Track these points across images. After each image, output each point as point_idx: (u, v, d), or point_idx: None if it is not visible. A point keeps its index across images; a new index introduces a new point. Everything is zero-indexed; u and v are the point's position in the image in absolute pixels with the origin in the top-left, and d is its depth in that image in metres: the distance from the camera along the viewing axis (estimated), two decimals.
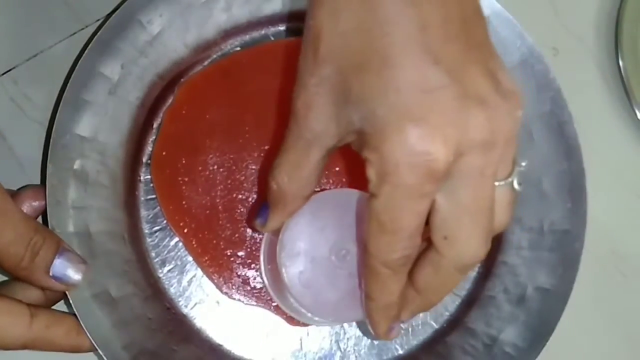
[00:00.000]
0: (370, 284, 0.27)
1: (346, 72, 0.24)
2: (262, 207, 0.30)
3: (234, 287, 0.35)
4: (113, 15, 0.34)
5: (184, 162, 0.35)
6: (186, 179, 0.35)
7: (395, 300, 0.28)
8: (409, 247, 0.26)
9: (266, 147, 0.36)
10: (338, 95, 0.24)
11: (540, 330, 0.35)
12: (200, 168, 0.36)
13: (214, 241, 0.35)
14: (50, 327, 0.30)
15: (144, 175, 0.36)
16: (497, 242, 0.37)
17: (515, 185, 0.26)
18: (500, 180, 0.26)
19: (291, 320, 0.35)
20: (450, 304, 0.37)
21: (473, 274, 0.37)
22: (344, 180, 0.36)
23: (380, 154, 0.24)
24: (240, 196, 0.36)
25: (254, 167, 0.36)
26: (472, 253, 0.26)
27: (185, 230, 0.35)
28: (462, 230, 0.25)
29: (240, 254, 0.35)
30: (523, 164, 0.26)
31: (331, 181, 0.36)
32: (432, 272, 0.27)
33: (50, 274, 0.30)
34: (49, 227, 0.32)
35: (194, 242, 0.35)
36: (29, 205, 0.32)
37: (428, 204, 0.25)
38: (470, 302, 0.37)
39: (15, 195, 0.32)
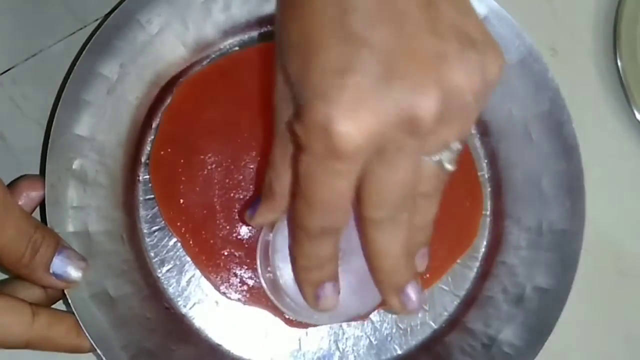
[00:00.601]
0: (292, 242, 0.28)
1: (287, 59, 0.25)
2: (256, 200, 0.31)
3: (231, 286, 0.35)
4: (112, 15, 0.34)
5: (182, 161, 0.35)
6: (184, 179, 0.35)
7: (317, 264, 0.28)
8: (327, 220, 0.26)
9: (264, 147, 0.36)
10: (287, 82, 0.25)
11: (539, 330, 0.35)
12: (198, 167, 0.36)
13: (211, 241, 0.35)
14: (51, 326, 0.30)
15: (143, 175, 0.36)
16: (496, 242, 0.38)
17: (446, 165, 0.26)
18: (430, 155, 0.25)
19: (289, 322, 0.35)
20: (448, 304, 0.37)
21: (472, 274, 0.37)
22: None
23: (298, 130, 0.24)
24: (238, 196, 0.36)
25: (252, 166, 0.36)
26: (375, 214, 0.26)
27: (183, 230, 0.35)
28: (379, 211, 0.25)
29: (237, 253, 0.35)
30: (456, 146, 0.25)
31: None
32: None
33: (51, 271, 0.30)
34: (48, 226, 0.32)
35: (191, 242, 0.35)
36: (27, 196, 0.32)
37: (346, 182, 0.24)
38: (468, 302, 0.37)
39: (12, 187, 0.32)
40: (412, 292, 0.29)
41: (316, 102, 0.23)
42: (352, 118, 0.23)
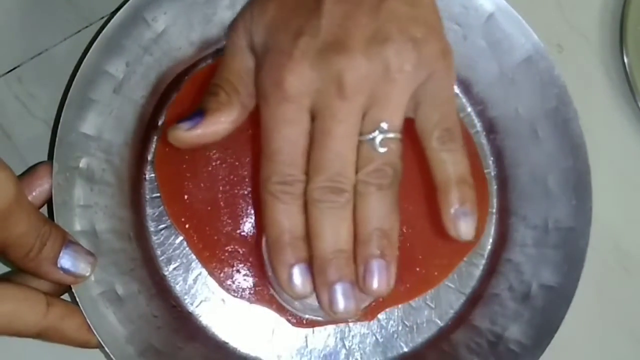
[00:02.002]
0: (262, 213, 0.29)
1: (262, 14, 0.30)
2: (190, 116, 0.29)
3: (234, 283, 0.35)
4: (118, 13, 0.34)
5: (186, 157, 0.35)
6: (188, 175, 0.35)
7: (287, 240, 0.28)
8: (285, 174, 0.28)
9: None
10: (253, 15, 0.30)
11: (545, 327, 0.35)
12: (202, 164, 0.36)
13: (215, 237, 0.35)
14: (64, 319, 0.30)
15: (149, 174, 0.36)
16: (502, 240, 0.37)
17: (378, 147, 0.28)
18: (363, 135, 0.28)
19: (294, 322, 0.35)
20: (454, 302, 0.37)
21: (478, 271, 0.37)
22: None
23: (258, 78, 0.29)
24: (242, 192, 0.36)
25: (256, 162, 0.36)
26: (315, 184, 0.28)
27: (187, 226, 0.35)
28: (313, 161, 0.28)
29: (241, 250, 0.35)
30: (384, 125, 0.28)
31: None
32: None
33: (58, 265, 0.30)
34: None
35: (195, 238, 0.35)
36: (36, 191, 0.32)
37: (295, 130, 0.28)
38: (474, 300, 0.37)
39: (21, 181, 0.32)
40: (340, 293, 0.28)
41: (275, 54, 0.28)
42: (296, 68, 0.27)
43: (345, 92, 0.27)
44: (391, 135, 0.28)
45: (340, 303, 0.28)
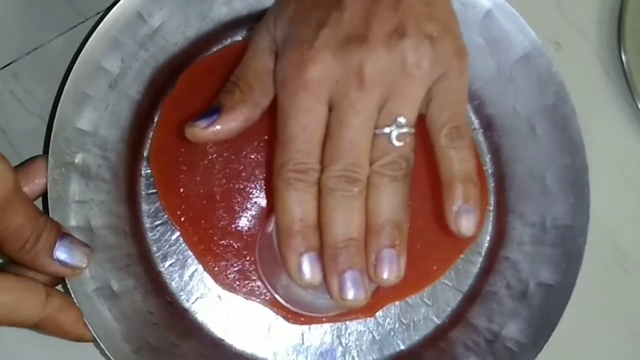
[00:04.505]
0: (274, 200, 0.29)
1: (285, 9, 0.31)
2: (206, 112, 0.30)
3: (229, 277, 0.35)
4: (114, 9, 0.34)
5: (182, 150, 0.35)
6: (184, 168, 0.35)
7: (298, 228, 0.28)
8: (300, 162, 0.28)
9: (265, 137, 0.36)
10: (276, 15, 0.31)
11: (543, 326, 0.35)
12: (199, 157, 0.36)
13: (210, 230, 0.35)
14: (62, 311, 0.30)
15: (145, 170, 0.36)
16: (499, 238, 0.37)
17: (393, 140, 0.28)
18: (379, 128, 0.28)
19: (288, 317, 0.35)
20: (452, 300, 0.37)
21: (475, 269, 0.37)
22: None
23: (278, 67, 0.29)
24: (238, 186, 0.36)
25: (252, 156, 0.36)
26: (330, 173, 0.28)
27: (182, 219, 0.35)
28: (328, 150, 0.28)
29: (236, 245, 0.35)
30: (401, 120, 0.28)
31: None
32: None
33: (54, 257, 0.30)
34: None
35: (190, 231, 0.35)
36: (31, 184, 0.32)
37: (312, 119, 0.28)
38: (472, 298, 0.37)
39: (18, 173, 0.32)
40: (350, 280, 0.28)
41: (296, 44, 0.29)
42: (317, 57, 0.28)
43: (364, 84, 0.28)
44: (406, 129, 0.28)
45: (350, 291, 0.28)
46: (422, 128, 0.30)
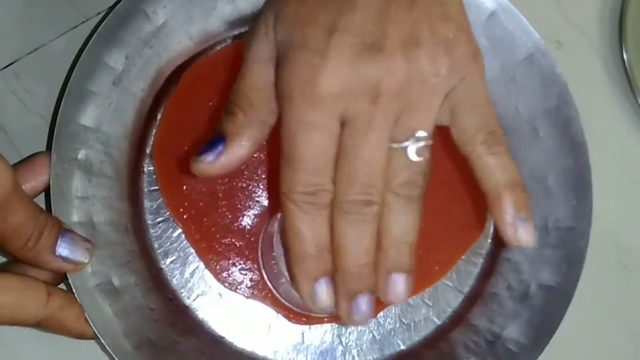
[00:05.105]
0: (284, 229, 0.27)
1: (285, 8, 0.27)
2: (209, 143, 0.28)
3: (230, 276, 0.35)
4: (118, 6, 0.34)
5: (185, 148, 0.36)
6: (187, 165, 0.35)
7: (312, 252, 0.27)
8: (311, 183, 0.26)
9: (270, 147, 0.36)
10: (275, 15, 0.28)
11: (544, 327, 0.35)
12: None
13: (213, 229, 0.35)
14: (63, 309, 0.30)
15: (148, 167, 0.36)
16: (501, 239, 0.37)
17: (411, 155, 0.27)
18: (396, 143, 0.27)
19: (291, 317, 0.35)
20: (452, 301, 0.37)
21: (476, 270, 0.37)
22: None
23: (281, 77, 0.26)
24: (240, 184, 0.36)
25: (255, 155, 0.36)
26: (345, 197, 0.26)
27: (185, 216, 0.35)
28: (342, 170, 0.26)
29: (238, 243, 0.35)
30: (419, 133, 0.27)
31: None
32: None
33: (57, 254, 0.30)
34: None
35: (193, 229, 0.35)
36: (32, 182, 0.32)
37: (323, 136, 0.26)
38: (473, 299, 0.37)
39: (17, 171, 0.32)
40: (363, 303, 0.27)
41: (305, 51, 0.26)
42: (332, 68, 0.25)
43: (382, 98, 0.26)
44: (424, 143, 0.27)
45: (359, 313, 0.27)
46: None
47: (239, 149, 0.28)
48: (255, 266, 0.35)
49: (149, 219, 0.35)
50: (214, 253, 0.35)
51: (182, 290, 0.35)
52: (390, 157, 0.27)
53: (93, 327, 0.31)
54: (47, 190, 0.33)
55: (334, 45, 0.25)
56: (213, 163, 0.27)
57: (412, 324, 0.36)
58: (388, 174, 0.27)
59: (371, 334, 0.36)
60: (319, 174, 0.26)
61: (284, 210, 0.27)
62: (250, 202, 0.36)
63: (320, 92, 0.25)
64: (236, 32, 0.37)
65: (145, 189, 0.36)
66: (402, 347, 0.36)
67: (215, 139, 0.28)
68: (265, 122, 0.28)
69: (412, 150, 0.27)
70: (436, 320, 0.36)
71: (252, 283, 0.35)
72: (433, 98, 0.27)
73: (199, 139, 0.36)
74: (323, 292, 0.27)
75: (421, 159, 0.27)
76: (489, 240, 0.38)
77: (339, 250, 0.27)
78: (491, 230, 0.38)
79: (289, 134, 0.26)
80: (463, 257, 0.37)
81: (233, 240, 0.35)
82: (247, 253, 0.35)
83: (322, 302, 0.27)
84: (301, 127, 0.26)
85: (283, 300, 0.35)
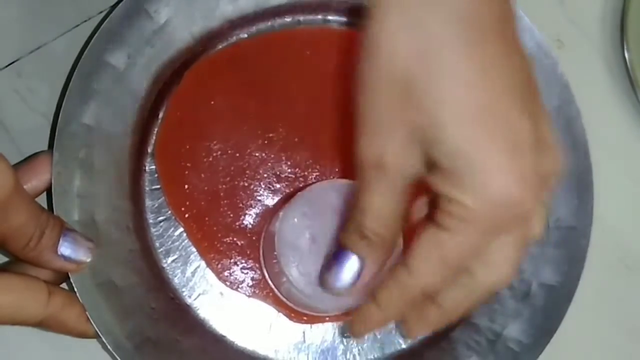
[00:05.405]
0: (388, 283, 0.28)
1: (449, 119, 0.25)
2: (339, 261, 0.28)
3: (232, 275, 0.35)
4: (120, 4, 0.34)
5: (187, 147, 0.36)
6: (189, 165, 0.35)
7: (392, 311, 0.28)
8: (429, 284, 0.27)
9: (270, 135, 0.36)
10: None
11: (545, 326, 0.35)
12: (203, 154, 0.36)
13: (214, 228, 0.35)
14: (65, 308, 0.30)
15: (149, 165, 0.36)
16: None
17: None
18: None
19: (291, 315, 0.35)
20: None
21: None
22: (336, 170, 0.36)
23: (467, 202, 0.25)
24: (242, 184, 0.36)
25: (257, 154, 0.36)
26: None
27: (187, 215, 0.35)
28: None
29: (240, 242, 0.35)
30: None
31: (326, 172, 0.36)
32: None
33: (59, 253, 0.30)
34: (54, 214, 0.32)
35: (194, 228, 0.35)
36: (33, 181, 0.32)
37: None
38: None
39: (18, 170, 0.32)
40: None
41: (498, 176, 0.24)
42: (524, 182, 0.24)
43: (525, 222, 0.27)
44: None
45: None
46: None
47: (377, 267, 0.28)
48: (257, 265, 0.35)
49: (150, 218, 0.35)
50: (216, 252, 0.35)
51: (184, 289, 0.35)
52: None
53: (94, 326, 0.31)
54: (48, 189, 0.33)
55: (518, 169, 0.25)
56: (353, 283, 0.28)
57: None
58: None
59: (372, 333, 0.36)
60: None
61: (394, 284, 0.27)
62: (252, 202, 0.36)
63: (506, 216, 0.25)
64: (238, 31, 0.37)
65: (147, 188, 0.36)
66: (403, 346, 0.36)
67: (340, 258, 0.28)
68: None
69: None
70: None
71: (254, 282, 0.35)
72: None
73: (200, 138, 0.36)
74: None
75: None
76: None
77: (379, 290, 0.28)
78: None
79: (463, 244, 0.26)
80: None
81: (234, 239, 0.35)
82: (248, 252, 0.35)
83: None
84: (472, 246, 0.26)
85: (284, 300, 0.35)
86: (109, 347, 0.31)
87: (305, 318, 0.35)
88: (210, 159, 0.36)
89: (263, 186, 0.36)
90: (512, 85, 0.25)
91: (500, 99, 0.24)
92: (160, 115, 0.36)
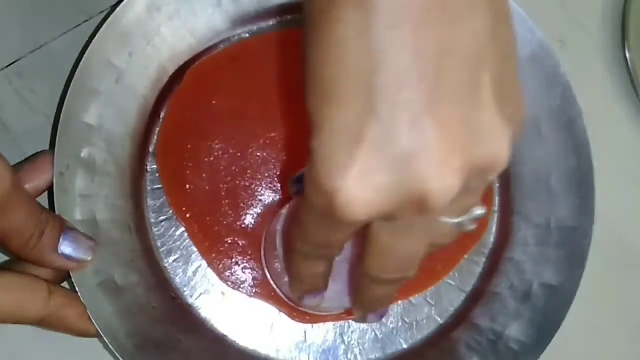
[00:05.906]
0: (286, 258, 0.30)
1: (310, 100, 0.22)
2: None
3: (233, 275, 0.35)
4: (122, 3, 0.34)
5: (189, 147, 0.36)
6: (190, 164, 0.35)
7: (308, 283, 0.30)
8: (322, 252, 0.27)
9: (271, 135, 0.36)
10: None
11: (546, 327, 0.35)
12: (205, 154, 0.36)
13: (216, 228, 0.35)
14: (65, 307, 0.30)
15: (151, 165, 0.36)
16: (504, 239, 0.37)
17: (468, 226, 0.24)
18: (450, 218, 0.23)
19: (292, 315, 0.35)
20: (455, 300, 0.37)
21: (479, 269, 0.37)
22: None
23: (307, 183, 0.23)
24: (244, 183, 0.36)
25: (258, 154, 0.36)
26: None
27: (188, 215, 0.35)
28: (381, 274, 0.26)
29: (241, 242, 0.35)
30: (479, 211, 0.23)
31: None
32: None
33: (60, 252, 0.30)
34: (56, 213, 0.32)
35: (195, 228, 0.35)
36: (34, 181, 0.32)
37: (343, 235, 0.25)
38: (475, 298, 0.37)
39: (19, 170, 0.32)
40: (380, 312, 0.31)
41: (324, 165, 0.21)
42: (357, 192, 0.20)
43: (430, 211, 0.22)
44: (482, 213, 0.24)
45: (375, 317, 0.32)
46: None
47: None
48: (258, 265, 0.35)
49: (152, 218, 0.35)
50: (217, 252, 0.35)
51: (185, 289, 0.35)
52: (439, 227, 0.24)
53: (95, 325, 0.31)
54: (50, 189, 0.33)
55: (358, 162, 0.21)
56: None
57: (414, 323, 0.36)
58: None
59: (373, 333, 0.36)
60: (332, 249, 0.27)
61: (290, 255, 0.29)
62: (253, 201, 0.36)
63: (341, 214, 0.22)
64: (239, 30, 0.37)
65: (149, 188, 0.36)
66: (405, 346, 0.36)
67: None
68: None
69: (467, 223, 0.24)
70: (438, 319, 0.36)
71: (255, 282, 0.35)
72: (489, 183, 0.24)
73: (202, 137, 0.36)
74: (311, 299, 0.32)
75: (475, 227, 0.24)
76: (492, 240, 0.38)
77: (357, 287, 0.29)
78: (494, 229, 0.38)
79: (307, 222, 0.25)
80: (466, 256, 0.37)
81: (236, 239, 0.35)
82: (250, 252, 0.35)
83: (309, 304, 0.32)
84: (318, 226, 0.24)
85: (286, 299, 0.35)
86: (110, 346, 0.31)
87: (306, 318, 0.35)
88: (212, 158, 0.36)
89: (264, 186, 0.36)
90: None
91: None
92: (162, 114, 0.36)
